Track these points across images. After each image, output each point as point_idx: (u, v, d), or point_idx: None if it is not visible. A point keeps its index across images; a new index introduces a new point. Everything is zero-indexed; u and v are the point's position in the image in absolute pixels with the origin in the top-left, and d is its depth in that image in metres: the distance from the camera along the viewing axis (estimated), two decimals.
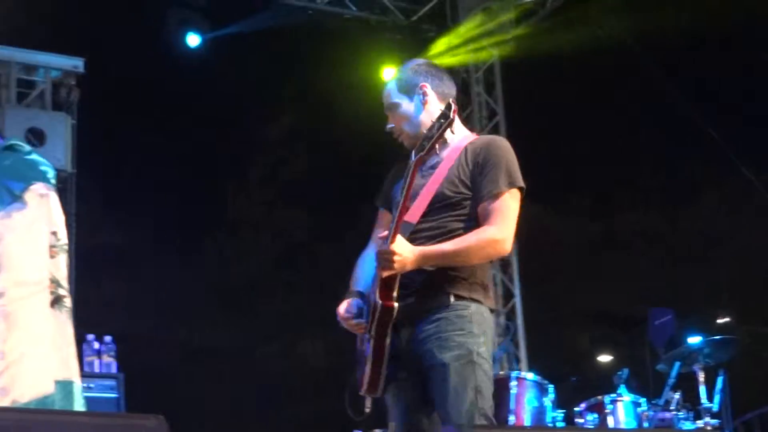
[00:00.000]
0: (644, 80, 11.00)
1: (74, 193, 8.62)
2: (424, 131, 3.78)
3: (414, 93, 4.02)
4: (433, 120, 3.76)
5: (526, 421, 5.99)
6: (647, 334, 9.00)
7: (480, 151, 3.92)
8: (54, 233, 3.99)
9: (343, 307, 3.95)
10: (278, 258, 12.38)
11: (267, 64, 10.71)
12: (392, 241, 3.71)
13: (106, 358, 7.27)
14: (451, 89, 4.11)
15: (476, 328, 3.78)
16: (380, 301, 3.74)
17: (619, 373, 6.43)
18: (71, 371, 3.85)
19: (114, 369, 7.32)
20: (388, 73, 9.41)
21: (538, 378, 6.19)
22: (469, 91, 11.00)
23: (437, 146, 3.73)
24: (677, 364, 6.50)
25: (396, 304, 3.74)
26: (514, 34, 10.76)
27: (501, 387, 6.08)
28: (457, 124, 4.06)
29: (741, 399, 7.64)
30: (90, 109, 9.23)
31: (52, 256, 3.94)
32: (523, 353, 10.32)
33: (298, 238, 12.47)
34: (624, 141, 12.26)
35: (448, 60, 10.57)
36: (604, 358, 14.85)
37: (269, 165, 12.39)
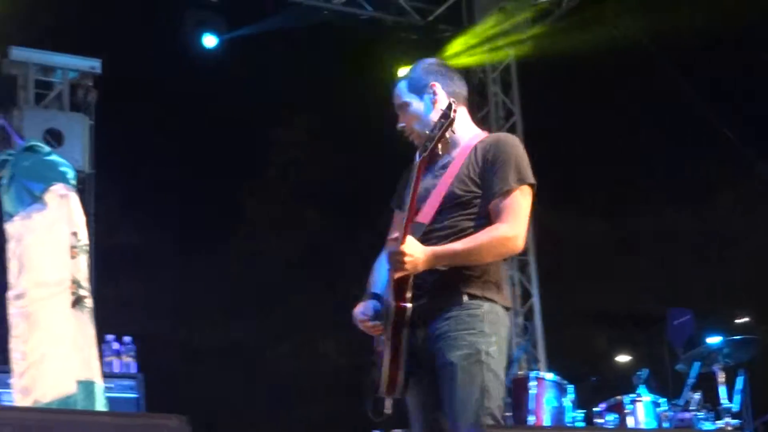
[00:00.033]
0: (659, 80, 10.97)
1: (92, 194, 8.64)
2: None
3: (424, 92, 4.03)
4: (453, 119, 3.77)
5: (546, 421, 5.97)
6: (666, 334, 8.98)
7: (489, 149, 3.91)
8: (74, 234, 4.00)
9: (359, 310, 3.97)
10: (295, 258, 12.39)
11: (283, 64, 10.72)
12: (402, 242, 3.71)
13: (125, 359, 7.29)
14: (461, 89, 4.11)
15: (488, 327, 3.77)
16: (393, 303, 3.76)
17: (639, 373, 6.40)
18: (93, 371, 3.86)
19: (133, 369, 7.34)
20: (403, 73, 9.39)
21: (557, 378, 6.17)
22: (485, 92, 10.99)
23: (440, 146, 3.73)
24: (697, 364, 6.47)
25: (409, 305, 3.75)
26: (531, 33, 10.74)
27: (520, 387, 6.08)
28: (467, 123, 4.06)
29: (761, 399, 7.58)
30: (107, 109, 9.26)
31: (72, 257, 3.95)
32: (541, 353, 10.30)
33: (315, 238, 12.47)
34: (641, 141, 12.23)
35: (465, 60, 10.57)
36: (623, 358, 14.82)
37: (285, 165, 12.41)
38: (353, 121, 10.69)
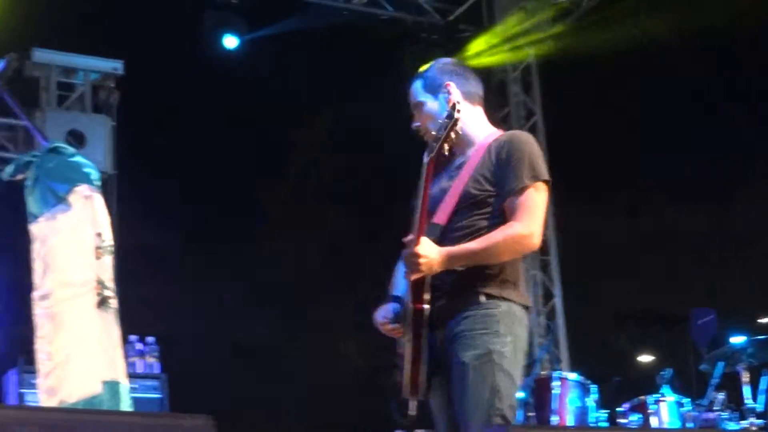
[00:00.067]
0: (681, 79, 10.94)
1: (115, 195, 8.68)
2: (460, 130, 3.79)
3: (439, 92, 4.01)
4: (457, 119, 3.78)
5: (569, 421, 5.96)
6: (690, 333, 8.94)
7: (503, 147, 3.90)
8: (99, 234, 4.02)
9: (379, 313, 3.98)
10: (316, 259, 12.40)
11: (304, 65, 10.73)
12: (417, 244, 3.71)
13: (149, 359, 7.33)
14: (476, 88, 4.10)
15: (503, 327, 3.76)
16: (411, 305, 3.76)
17: (662, 373, 6.38)
18: (118, 372, 3.88)
19: (157, 370, 7.37)
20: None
21: (580, 378, 6.16)
22: (506, 92, 10.96)
23: (446, 146, 3.74)
24: (721, 364, 6.44)
25: (426, 307, 3.76)
26: (551, 33, 10.71)
27: (543, 387, 6.07)
28: (483, 122, 4.06)
29: None
30: (129, 110, 9.29)
31: (97, 258, 3.97)
32: (564, 353, 10.27)
33: (336, 239, 12.47)
34: (665, 139, 12.19)
35: (485, 60, 10.55)
36: (645, 358, 14.78)
37: (306, 166, 12.41)
38: (374, 122, 10.68)
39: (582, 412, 6.06)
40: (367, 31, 10.57)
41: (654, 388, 6.34)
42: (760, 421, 6.28)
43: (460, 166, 3.96)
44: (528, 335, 3.91)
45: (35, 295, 3.94)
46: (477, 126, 4.04)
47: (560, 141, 10.53)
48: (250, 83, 10.44)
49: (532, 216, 3.81)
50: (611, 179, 12.78)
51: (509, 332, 3.77)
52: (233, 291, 11.51)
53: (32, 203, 4.05)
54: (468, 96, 4.02)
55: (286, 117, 11.18)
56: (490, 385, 3.68)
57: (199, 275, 11.29)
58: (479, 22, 10.92)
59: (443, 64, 4.15)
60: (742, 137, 10.91)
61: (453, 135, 3.73)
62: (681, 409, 6.25)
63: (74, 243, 3.97)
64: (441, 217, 3.88)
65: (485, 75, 10.57)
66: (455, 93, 3.96)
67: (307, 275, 11.99)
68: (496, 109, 10.66)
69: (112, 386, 3.82)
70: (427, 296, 3.76)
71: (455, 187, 3.90)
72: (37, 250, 3.98)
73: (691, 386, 7.77)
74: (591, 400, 6.13)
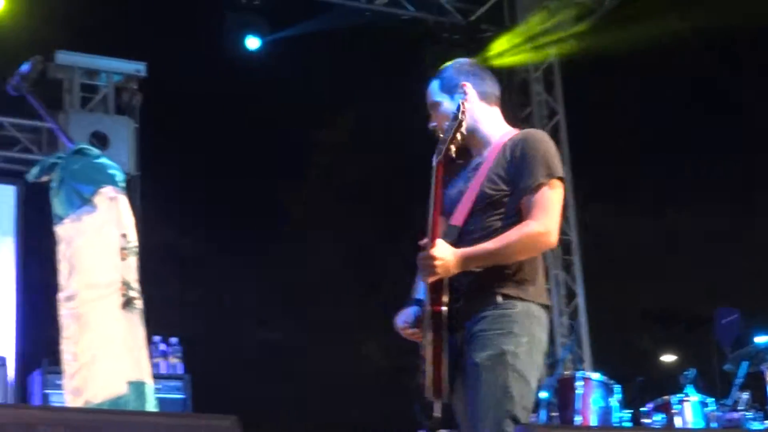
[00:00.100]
0: (704, 78, 10.88)
1: (138, 196, 8.71)
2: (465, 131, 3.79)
3: (455, 92, 3.99)
4: (474, 119, 3.78)
5: (593, 421, 5.96)
6: (714, 333, 8.89)
7: (517, 145, 3.90)
8: (124, 236, 4.04)
9: (400, 318, 3.99)
10: (338, 260, 12.40)
11: (325, 65, 10.74)
12: (432, 246, 3.71)
13: (172, 360, 7.35)
14: (493, 89, 4.10)
15: (518, 327, 3.74)
16: (430, 307, 3.77)
17: (686, 372, 6.36)
18: (143, 372, 3.89)
19: (180, 370, 7.39)
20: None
21: (604, 378, 6.15)
22: (528, 91, 10.94)
23: (453, 148, 3.74)
24: (745, 363, 6.42)
25: (444, 308, 3.75)
26: (573, 32, 10.68)
27: (567, 387, 6.07)
28: (499, 122, 4.06)
29: None
30: (152, 112, 9.32)
31: (122, 259, 3.98)
32: (586, 353, 10.23)
33: (358, 240, 12.47)
34: (686, 139, 12.13)
35: (508, 60, 10.53)
36: (669, 358, 14.71)
37: (329, 166, 12.41)
38: (396, 122, 10.67)
39: (605, 412, 6.06)
40: (389, 31, 10.57)
41: (677, 388, 6.32)
42: None
43: (476, 167, 3.96)
44: (547, 335, 3.89)
45: (61, 296, 3.96)
46: (493, 126, 4.03)
47: (583, 140, 10.50)
48: (271, 84, 10.45)
49: (547, 214, 3.79)
50: (635, 178, 12.73)
51: (525, 332, 3.75)
52: (256, 291, 11.52)
53: (57, 205, 4.07)
54: (484, 96, 4.02)
55: (307, 118, 11.19)
56: (502, 386, 3.67)
57: (221, 276, 11.32)
58: (501, 21, 10.89)
59: (460, 65, 4.15)
60: (766, 134, 10.86)
61: (459, 137, 3.74)
62: (705, 409, 6.23)
63: (99, 244, 3.99)
64: (458, 218, 3.88)
65: (507, 75, 10.57)
66: (471, 93, 3.95)
67: (328, 276, 12.00)
68: (519, 108, 10.65)
69: (137, 387, 3.84)
70: (445, 298, 3.76)
71: (472, 188, 3.90)
72: (63, 252, 4.00)
73: (715, 386, 7.73)
74: (614, 400, 6.13)
